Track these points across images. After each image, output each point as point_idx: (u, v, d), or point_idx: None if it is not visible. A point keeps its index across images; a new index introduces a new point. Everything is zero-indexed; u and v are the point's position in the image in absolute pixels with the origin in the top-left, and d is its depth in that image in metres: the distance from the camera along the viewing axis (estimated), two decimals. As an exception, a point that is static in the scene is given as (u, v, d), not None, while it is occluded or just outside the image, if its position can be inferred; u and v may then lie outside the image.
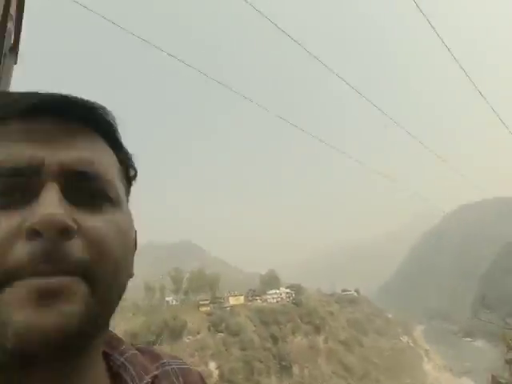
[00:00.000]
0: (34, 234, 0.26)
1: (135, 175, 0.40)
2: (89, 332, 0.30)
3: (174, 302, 77.32)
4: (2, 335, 0.26)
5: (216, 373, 53.35)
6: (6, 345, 0.26)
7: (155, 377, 0.41)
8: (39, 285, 0.27)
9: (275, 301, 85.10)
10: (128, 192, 0.39)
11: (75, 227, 0.29)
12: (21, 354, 0.26)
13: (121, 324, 52.29)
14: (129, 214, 0.37)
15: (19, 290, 0.27)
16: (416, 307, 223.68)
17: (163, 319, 51.72)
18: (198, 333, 58.86)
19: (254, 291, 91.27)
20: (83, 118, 0.33)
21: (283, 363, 64.65)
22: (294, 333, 73.31)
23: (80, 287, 0.29)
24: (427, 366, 78.31)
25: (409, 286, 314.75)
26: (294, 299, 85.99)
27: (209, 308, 72.61)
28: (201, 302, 74.43)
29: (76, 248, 0.29)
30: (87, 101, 0.33)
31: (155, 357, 0.45)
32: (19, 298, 0.27)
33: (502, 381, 8.52)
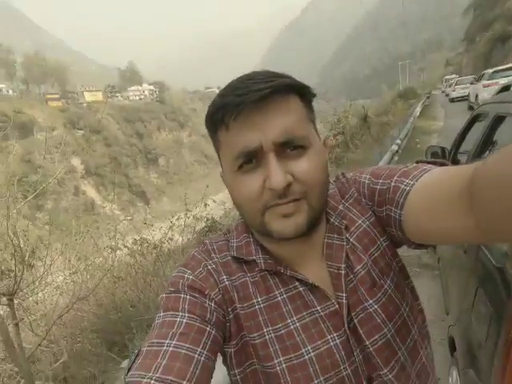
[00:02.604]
0: (272, 189, 0.48)
1: (314, 96, 0.54)
2: (311, 225, 0.52)
3: (11, 93, 65.11)
4: (270, 233, 0.51)
5: (81, 167, 53.85)
6: (273, 236, 0.51)
7: (343, 205, 0.61)
8: (282, 210, 0.49)
9: (138, 98, 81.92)
10: (313, 114, 0.54)
11: (291, 180, 0.48)
12: (280, 239, 0.51)
13: None
14: (318, 144, 0.53)
15: (273, 212, 0.50)
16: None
17: (1, 111, 43.96)
18: (53, 129, 54.25)
19: (114, 87, 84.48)
20: (281, 90, 0.48)
21: (149, 156, 69.11)
22: (159, 129, 75.49)
23: (303, 206, 0.50)
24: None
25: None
26: (157, 97, 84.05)
27: (60, 103, 65.09)
28: (48, 96, 65.09)
29: (296, 187, 0.49)
30: (282, 76, 0.50)
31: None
32: (275, 216, 0.50)
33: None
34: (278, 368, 0.52)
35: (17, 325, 2.44)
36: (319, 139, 0.54)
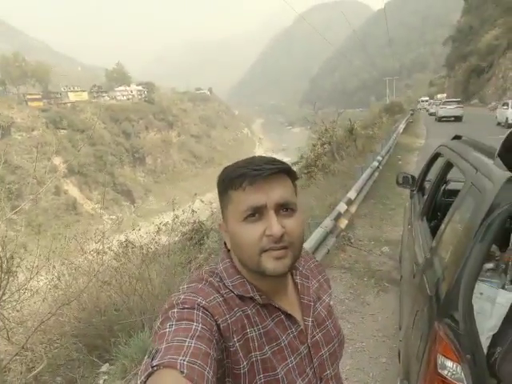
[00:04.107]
0: (270, 236, 0.65)
1: (297, 179, 0.76)
2: (292, 268, 0.71)
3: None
4: (264, 270, 0.67)
5: (63, 167, 52.61)
6: (266, 273, 0.67)
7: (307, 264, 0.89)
8: (276, 254, 0.66)
9: (126, 98, 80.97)
10: (296, 190, 0.74)
11: (284, 231, 0.66)
12: (271, 276, 0.68)
13: None
14: (301, 211, 0.72)
15: (268, 255, 0.66)
16: (259, 104, 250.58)
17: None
18: (33, 130, 52.70)
19: (100, 87, 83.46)
20: (282, 171, 0.69)
21: (136, 155, 68.18)
22: (147, 129, 74.62)
23: (289, 253, 0.68)
24: (258, 150, 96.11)
25: (257, 86, 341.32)
26: (146, 97, 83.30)
27: (41, 103, 63.47)
28: (29, 96, 63.71)
29: (286, 238, 0.66)
30: (282, 163, 0.71)
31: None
32: (269, 258, 0.66)
33: (304, 155, 11.21)
34: (280, 375, 0.69)
35: (-4, 335, 2.40)
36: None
